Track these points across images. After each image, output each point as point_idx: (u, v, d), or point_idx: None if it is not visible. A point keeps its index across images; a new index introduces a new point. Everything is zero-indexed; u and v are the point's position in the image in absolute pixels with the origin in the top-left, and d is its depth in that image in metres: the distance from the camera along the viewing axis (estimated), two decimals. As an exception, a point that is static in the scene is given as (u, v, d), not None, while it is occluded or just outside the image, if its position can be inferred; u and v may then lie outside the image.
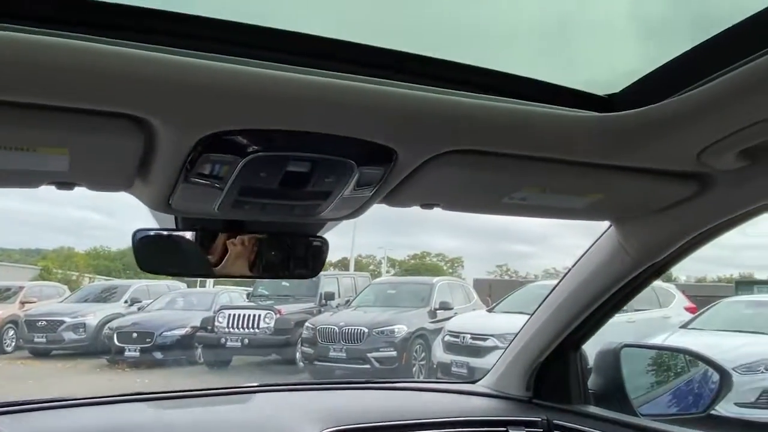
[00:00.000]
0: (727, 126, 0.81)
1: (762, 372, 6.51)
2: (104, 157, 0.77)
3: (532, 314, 1.58)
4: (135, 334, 10.12)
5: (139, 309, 11.88)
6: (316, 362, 9.27)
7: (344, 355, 9.10)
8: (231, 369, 9.92)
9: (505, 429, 1.48)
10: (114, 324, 10.52)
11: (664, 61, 0.83)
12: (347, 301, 11.35)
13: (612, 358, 1.57)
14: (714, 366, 1.61)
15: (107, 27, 0.64)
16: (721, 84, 0.75)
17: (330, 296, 11.31)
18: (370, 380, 1.80)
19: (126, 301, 12.24)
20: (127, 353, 9.96)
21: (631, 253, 1.23)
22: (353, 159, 0.81)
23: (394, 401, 1.70)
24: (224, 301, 11.51)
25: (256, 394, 1.67)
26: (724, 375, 1.58)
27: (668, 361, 1.84)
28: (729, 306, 8.75)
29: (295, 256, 1.09)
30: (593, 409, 1.50)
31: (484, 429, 1.49)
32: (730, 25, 0.75)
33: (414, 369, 9.18)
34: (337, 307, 11.10)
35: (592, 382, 1.59)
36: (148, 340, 10.11)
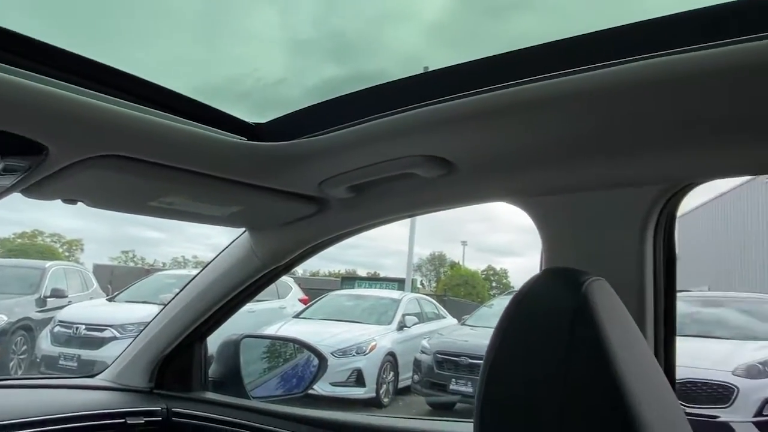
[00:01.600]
0: (339, 167, 1.05)
1: (354, 355, 7.74)
2: None
3: (163, 308, 1.64)
4: None
5: None
6: None
7: None
8: None
9: (122, 420, 1.50)
10: None
11: (302, 107, 1.02)
12: None
13: (233, 348, 1.73)
14: (314, 352, 1.92)
15: None
16: (337, 136, 0.97)
17: None
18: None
19: None
20: None
21: (260, 256, 1.41)
22: None
23: None
24: None
25: None
26: (322, 359, 1.90)
27: (280, 349, 2.11)
28: (333, 298, 10.11)
29: None
30: (211, 395, 1.62)
31: (100, 422, 1.47)
32: (354, 90, 0.97)
33: (12, 364, 8.02)
34: None
35: (213, 370, 1.72)
36: None
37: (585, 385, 0.59)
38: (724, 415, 5.35)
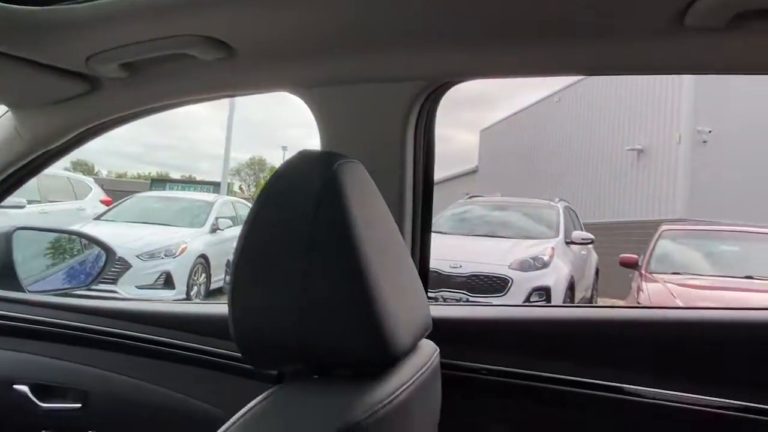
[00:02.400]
0: (109, 42, 0.98)
1: (162, 257, 7.49)
2: None
3: None
4: None
5: None
6: None
7: None
8: None
9: None
10: None
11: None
12: None
13: (3, 241, 1.60)
14: (102, 246, 1.84)
15: None
16: (104, 5, 0.90)
17: None
18: None
19: None
20: None
21: (26, 138, 1.29)
22: None
23: None
24: None
25: None
26: (110, 253, 1.84)
27: (66, 245, 1.99)
28: (141, 200, 9.57)
29: None
30: None
31: None
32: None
33: None
34: None
35: (-19, 265, 1.59)
36: None
37: (327, 259, 0.64)
38: (499, 302, 6.18)
